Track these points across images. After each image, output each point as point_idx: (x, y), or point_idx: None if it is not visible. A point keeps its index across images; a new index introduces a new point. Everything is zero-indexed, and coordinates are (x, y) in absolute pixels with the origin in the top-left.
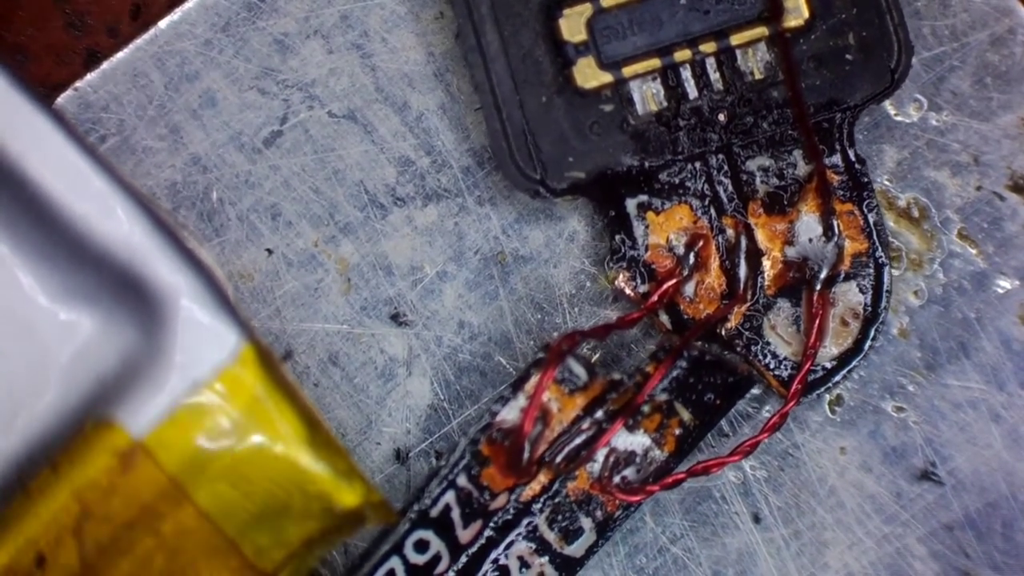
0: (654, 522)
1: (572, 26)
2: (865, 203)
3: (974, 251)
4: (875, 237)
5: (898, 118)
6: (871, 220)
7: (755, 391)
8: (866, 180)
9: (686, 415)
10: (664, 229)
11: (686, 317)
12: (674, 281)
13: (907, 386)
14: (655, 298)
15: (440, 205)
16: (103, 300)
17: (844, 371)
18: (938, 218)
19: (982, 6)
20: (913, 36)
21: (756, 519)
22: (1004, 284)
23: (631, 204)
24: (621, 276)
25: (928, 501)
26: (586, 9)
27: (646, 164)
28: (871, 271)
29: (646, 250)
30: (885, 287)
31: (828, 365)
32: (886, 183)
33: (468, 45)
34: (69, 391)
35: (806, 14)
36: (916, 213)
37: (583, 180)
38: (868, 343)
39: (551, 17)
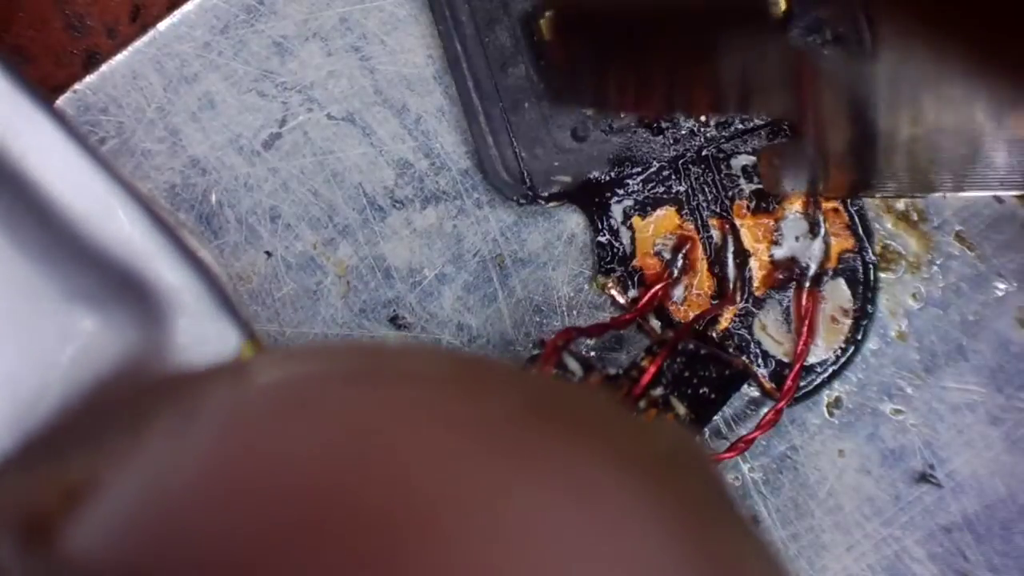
0: None
1: (552, 26)
2: (850, 200)
3: (972, 254)
4: (861, 234)
5: None
6: (856, 217)
7: (753, 392)
8: None
9: (682, 409)
10: (651, 233)
11: (675, 321)
12: (661, 285)
13: (905, 388)
14: (644, 302)
15: (439, 207)
16: (104, 300)
17: (837, 366)
18: (936, 221)
19: None
20: None
21: (754, 521)
22: (1002, 286)
23: (617, 209)
24: (610, 282)
25: (926, 503)
26: None
27: (630, 167)
28: (859, 268)
29: (633, 255)
30: (873, 284)
31: (820, 365)
32: None
33: (451, 53)
34: (71, 391)
35: (784, 6)
36: (914, 216)
37: (570, 185)
38: (858, 341)
39: (531, 21)
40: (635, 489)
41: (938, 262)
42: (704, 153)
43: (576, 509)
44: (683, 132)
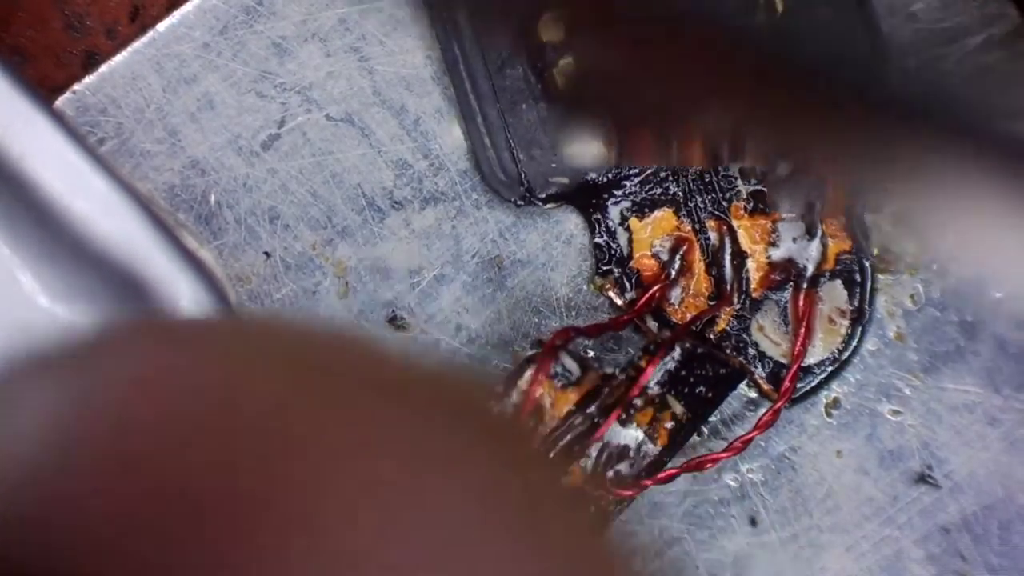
0: (651, 525)
1: (550, 27)
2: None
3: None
4: (859, 235)
5: None
6: (854, 219)
7: (751, 394)
8: None
9: (678, 408)
10: (648, 235)
11: (672, 322)
12: (659, 286)
13: (903, 389)
14: (642, 303)
15: (437, 208)
16: (103, 300)
17: (834, 367)
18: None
19: (978, 10)
20: (911, 39)
21: (753, 522)
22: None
23: (614, 211)
24: (607, 284)
25: (925, 504)
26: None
27: (628, 168)
28: (856, 269)
29: (631, 257)
30: (870, 285)
31: (818, 366)
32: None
33: (448, 58)
34: None
35: (780, 8)
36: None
37: (567, 187)
38: (855, 342)
39: (528, 22)
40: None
41: (936, 263)
42: None
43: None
44: None
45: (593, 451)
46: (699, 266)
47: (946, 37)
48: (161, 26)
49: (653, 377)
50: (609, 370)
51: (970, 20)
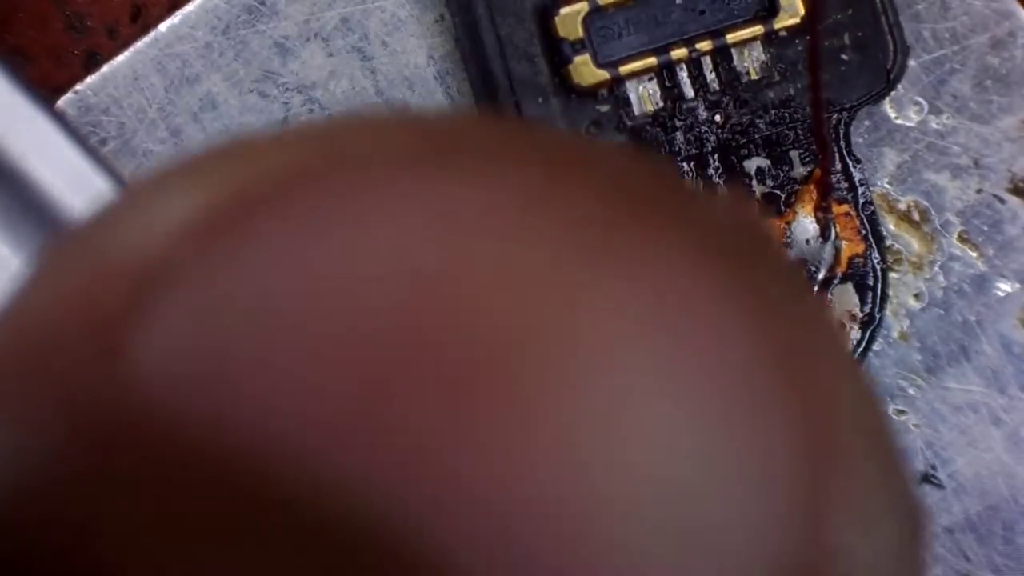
0: None
1: (568, 24)
2: (862, 205)
3: (974, 254)
4: (872, 239)
5: (898, 121)
6: (868, 222)
7: None
8: (863, 182)
9: None
10: None
11: None
12: None
13: (907, 389)
14: None
15: None
16: None
17: None
18: (938, 221)
19: (982, 9)
20: (914, 39)
21: None
22: (1004, 287)
23: None
24: None
25: (928, 504)
26: (582, 7)
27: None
28: (868, 273)
29: None
30: (882, 290)
31: None
32: (886, 186)
33: (464, 46)
34: None
35: (801, 11)
36: (916, 216)
37: None
38: (864, 346)
39: (547, 16)
40: (731, 307)
41: (940, 262)
42: (717, 154)
43: (665, 338)
44: (698, 131)
45: None
46: None
47: (949, 37)
48: (163, 26)
49: None
50: None
51: (973, 20)
